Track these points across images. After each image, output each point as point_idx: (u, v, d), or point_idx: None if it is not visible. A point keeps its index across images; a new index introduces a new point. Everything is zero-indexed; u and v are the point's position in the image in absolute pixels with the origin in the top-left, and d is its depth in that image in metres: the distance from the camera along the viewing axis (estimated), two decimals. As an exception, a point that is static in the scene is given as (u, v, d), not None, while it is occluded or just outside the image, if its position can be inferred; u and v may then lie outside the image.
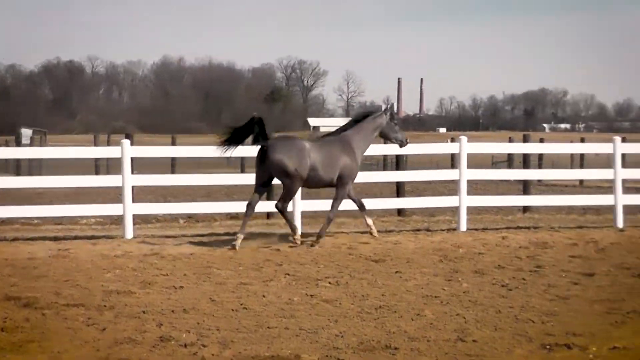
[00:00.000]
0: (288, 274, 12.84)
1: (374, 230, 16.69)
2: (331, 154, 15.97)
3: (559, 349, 8.59)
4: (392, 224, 19.37)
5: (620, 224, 18.73)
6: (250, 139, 15.83)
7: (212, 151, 19.50)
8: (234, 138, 15.81)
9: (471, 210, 19.31)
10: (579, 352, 8.49)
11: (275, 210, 19.17)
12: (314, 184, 16.15)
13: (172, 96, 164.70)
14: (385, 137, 17.07)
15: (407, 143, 17.23)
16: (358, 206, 16.69)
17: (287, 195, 15.86)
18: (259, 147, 15.71)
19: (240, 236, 15.68)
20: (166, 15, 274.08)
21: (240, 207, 19.66)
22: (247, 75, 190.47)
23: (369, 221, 16.70)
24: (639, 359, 8.30)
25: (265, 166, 15.66)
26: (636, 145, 24.67)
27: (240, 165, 40.41)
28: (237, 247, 15.40)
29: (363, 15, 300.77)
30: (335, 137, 16.39)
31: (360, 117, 16.77)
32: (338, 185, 16.21)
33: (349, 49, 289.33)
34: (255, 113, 15.88)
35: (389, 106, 17.25)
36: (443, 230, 18.21)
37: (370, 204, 18.58)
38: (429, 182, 30.56)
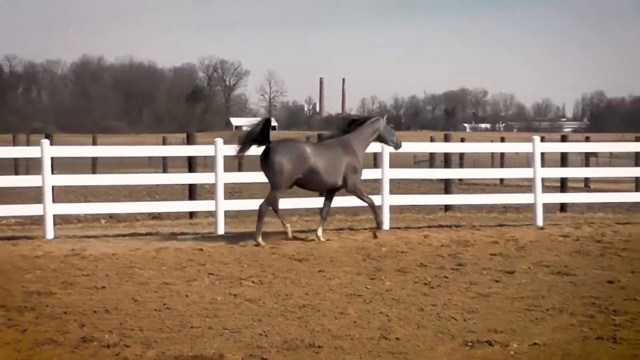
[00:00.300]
0: (211, 274, 12.80)
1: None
2: (333, 158, 16.39)
3: (481, 346, 8.69)
4: (315, 224, 19.37)
5: (540, 222, 18.99)
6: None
7: (133, 151, 19.39)
8: (248, 140, 16.08)
9: (394, 209, 19.45)
10: (500, 349, 8.59)
11: (199, 209, 19.21)
12: (315, 186, 16.67)
13: (92, 96, 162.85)
14: (382, 141, 17.49)
15: (400, 145, 17.72)
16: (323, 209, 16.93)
17: (273, 196, 16.05)
18: (263, 148, 16.04)
19: (288, 226, 16.28)
20: (86, 13, 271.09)
21: (161, 207, 19.60)
22: (168, 75, 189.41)
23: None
24: (558, 354, 8.42)
25: (265, 167, 15.99)
26: (554, 144, 25.08)
27: (163, 165, 40.21)
28: (290, 235, 16.18)
29: (285, 14, 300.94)
30: (337, 141, 16.79)
31: (359, 121, 17.15)
32: (350, 189, 16.68)
33: (271, 49, 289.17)
34: (265, 114, 16.13)
35: (385, 112, 17.75)
36: (366, 229, 18.28)
37: (293, 203, 18.60)
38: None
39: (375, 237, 16.55)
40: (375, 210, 16.98)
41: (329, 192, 16.87)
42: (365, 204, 17.08)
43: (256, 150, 16.09)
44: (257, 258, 14.32)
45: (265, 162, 15.95)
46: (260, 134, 15.90)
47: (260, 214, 16.02)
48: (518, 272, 12.97)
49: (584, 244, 16.02)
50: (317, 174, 16.13)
